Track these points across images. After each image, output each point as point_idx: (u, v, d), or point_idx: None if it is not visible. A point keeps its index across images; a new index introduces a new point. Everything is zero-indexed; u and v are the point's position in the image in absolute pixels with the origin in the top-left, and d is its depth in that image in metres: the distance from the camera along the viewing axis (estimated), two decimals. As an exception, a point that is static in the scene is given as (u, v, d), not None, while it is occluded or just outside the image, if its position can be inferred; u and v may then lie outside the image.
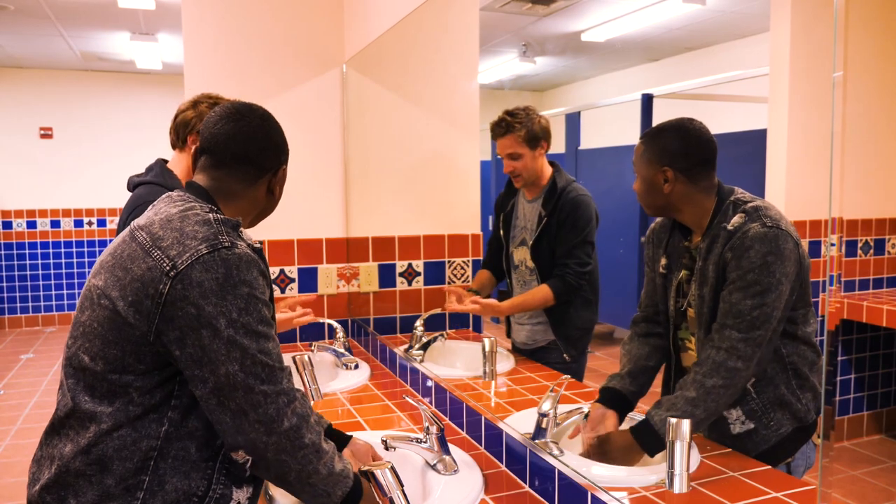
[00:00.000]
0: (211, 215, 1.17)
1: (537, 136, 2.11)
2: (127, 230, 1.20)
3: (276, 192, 1.34)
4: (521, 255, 2.21)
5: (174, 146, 2.05)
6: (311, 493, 1.19)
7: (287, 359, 2.00)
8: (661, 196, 1.44)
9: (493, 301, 2.21)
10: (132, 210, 1.90)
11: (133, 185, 2.00)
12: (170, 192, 1.26)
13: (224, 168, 1.26)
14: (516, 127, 2.09)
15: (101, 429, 1.11)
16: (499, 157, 2.15)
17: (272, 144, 1.30)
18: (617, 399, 1.54)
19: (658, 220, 1.61)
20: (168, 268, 1.09)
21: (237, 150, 1.25)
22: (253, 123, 1.27)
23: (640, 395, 1.57)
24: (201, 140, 1.27)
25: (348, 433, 1.47)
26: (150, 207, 1.25)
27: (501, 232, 2.28)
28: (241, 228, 1.21)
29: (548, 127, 2.15)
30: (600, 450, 1.47)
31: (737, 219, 1.37)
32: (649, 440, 1.37)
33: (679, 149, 1.43)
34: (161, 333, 1.09)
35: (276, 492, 1.43)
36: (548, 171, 2.15)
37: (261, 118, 1.29)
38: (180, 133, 2.02)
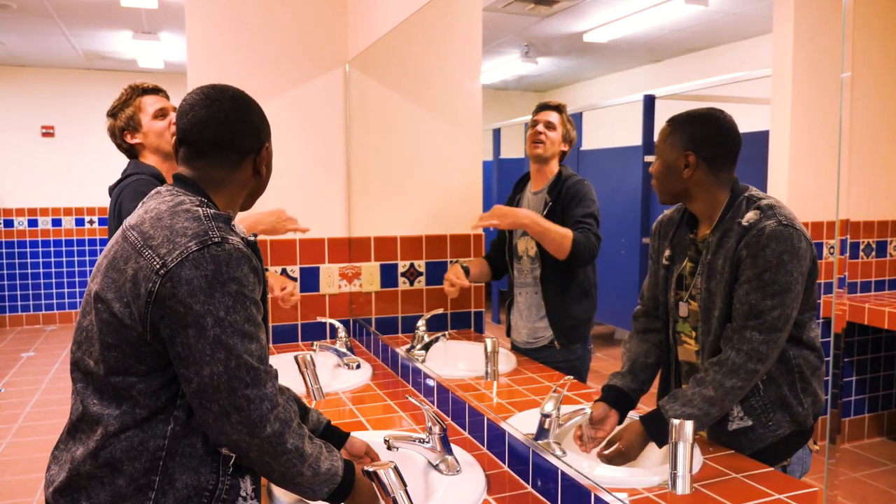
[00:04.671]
0: (201, 210, 1.15)
1: (570, 135, 2.25)
2: (119, 231, 1.20)
3: (263, 171, 1.30)
4: (524, 245, 2.25)
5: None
6: (296, 490, 1.21)
7: (289, 359, 2.01)
8: (679, 181, 1.44)
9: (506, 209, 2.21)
10: (117, 198, 1.97)
11: (110, 190, 2.06)
12: (158, 188, 1.24)
13: (204, 158, 1.24)
14: (567, 114, 2.24)
15: (107, 431, 1.11)
16: (535, 121, 2.22)
17: (248, 126, 1.25)
18: (619, 397, 1.55)
19: (665, 213, 1.61)
20: (158, 266, 1.08)
21: (213, 137, 1.22)
22: (224, 107, 1.23)
23: (641, 392, 1.58)
24: (177, 131, 1.25)
25: (347, 431, 1.47)
26: (140, 205, 1.23)
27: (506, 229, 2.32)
28: (234, 222, 1.19)
29: (574, 139, 2.29)
30: (597, 434, 1.47)
31: (751, 214, 1.36)
32: (660, 431, 1.36)
33: (706, 136, 1.43)
34: (156, 332, 1.10)
35: (278, 490, 1.43)
36: (556, 167, 2.23)
37: (232, 99, 1.25)
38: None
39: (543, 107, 2.25)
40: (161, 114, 2.07)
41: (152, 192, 1.24)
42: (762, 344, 1.32)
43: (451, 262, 2.75)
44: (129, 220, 1.19)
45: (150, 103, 2.07)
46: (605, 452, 1.44)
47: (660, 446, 1.40)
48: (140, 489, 1.11)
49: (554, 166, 2.22)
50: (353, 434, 1.47)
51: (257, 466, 1.17)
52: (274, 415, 1.12)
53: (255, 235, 1.23)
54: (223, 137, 1.23)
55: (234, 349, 1.09)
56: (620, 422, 1.53)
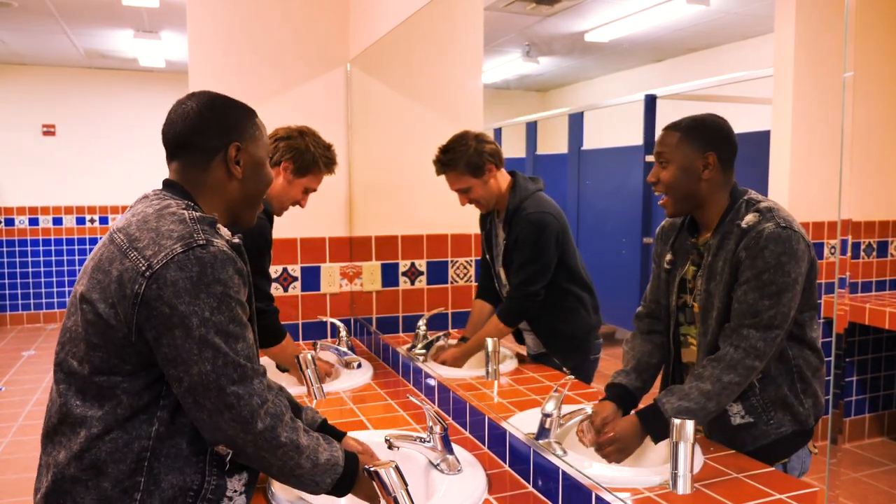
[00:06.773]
0: (187, 213, 1.16)
1: (478, 164, 2.00)
2: (107, 234, 1.21)
3: (237, 174, 1.26)
4: (504, 274, 2.19)
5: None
6: (298, 484, 1.22)
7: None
8: (697, 183, 1.44)
9: (451, 352, 2.15)
10: None
11: None
12: (146, 192, 1.26)
13: (176, 159, 1.26)
14: (451, 163, 2.02)
15: (91, 433, 1.12)
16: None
17: (212, 124, 1.25)
18: (623, 395, 1.55)
19: (667, 218, 1.61)
20: (144, 268, 1.09)
21: (177, 136, 1.25)
22: (188, 107, 1.25)
23: (644, 391, 1.58)
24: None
25: (343, 431, 1.47)
26: (128, 209, 1.25)
27: (486, 254, 2.25)
28: (219, 225, 1.20)
29: (489, 148, 2.03)
30: (603, 434, 1.47)
31: (750, 217, 1.38)
32: (656, 426, 1.37)
33: (722, 137, 1.45)
34: (141, 333, 1.10)
35: (277, 488, 1.43)
36: (507, 189, 2.07)
37: (198, 100, 1.26)
38: (274, 155, 2.09)
39: (437, 168, 2.06)
40: (305, 191, 2.15)
41: (141, 196, 1.26)
42: (760, 341, 1.33)
43: (451, 260, 2.75)
44: (117, 224, 1.21)
45: (311, 180, 2.14)
46: (604, 451, 1.44)
47: (655, 442, 1.40)
48: (125, 491, 1.12)
49: (503, 190, 2.05)
50: (349, 434, 1.48)
51: (255, 463, 1.18)
52: (264, 410, 1.14)
53: (241, 237, 1.23)
54: (186, 137, 1.24)
55: (220, 348, 1.10)
56: None
